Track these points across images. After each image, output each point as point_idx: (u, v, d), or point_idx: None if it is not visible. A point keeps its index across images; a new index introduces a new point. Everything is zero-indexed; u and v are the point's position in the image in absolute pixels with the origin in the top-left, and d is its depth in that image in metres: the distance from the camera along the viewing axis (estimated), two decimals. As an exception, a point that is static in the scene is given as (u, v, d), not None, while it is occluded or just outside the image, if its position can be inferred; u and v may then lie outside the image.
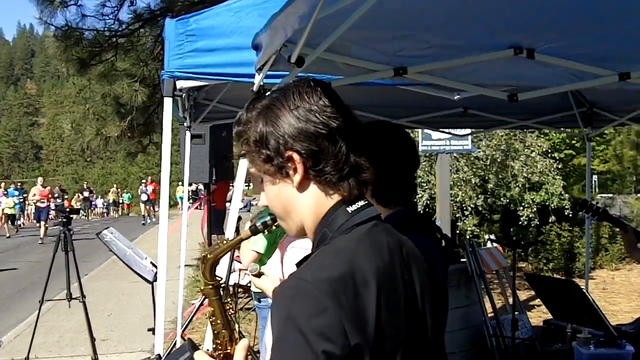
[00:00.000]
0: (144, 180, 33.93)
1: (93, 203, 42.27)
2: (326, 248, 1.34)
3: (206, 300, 1.71)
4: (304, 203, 1.39)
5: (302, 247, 2.54)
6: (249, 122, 1.43)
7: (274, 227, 1.65)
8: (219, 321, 1.63)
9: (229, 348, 1.61)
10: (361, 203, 1.39)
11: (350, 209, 1.37)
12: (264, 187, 1.46)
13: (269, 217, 1.61)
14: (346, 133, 1.38)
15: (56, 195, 24.86)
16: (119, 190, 44.37)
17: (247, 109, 1.47)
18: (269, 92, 1.46)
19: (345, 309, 1.22)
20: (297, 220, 1.42)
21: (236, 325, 1.71)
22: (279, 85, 2.74)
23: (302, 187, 1.38)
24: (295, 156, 1.35)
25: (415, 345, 1.36)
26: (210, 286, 1.65)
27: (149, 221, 29.16)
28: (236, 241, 1.70)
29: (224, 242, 1.68)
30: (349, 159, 1.37)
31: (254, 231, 1.65)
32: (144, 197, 31.15)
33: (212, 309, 1.64)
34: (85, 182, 42.01)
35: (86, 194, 39.14)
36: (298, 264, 1.37)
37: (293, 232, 1.46)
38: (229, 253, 3.24)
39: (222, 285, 1.65)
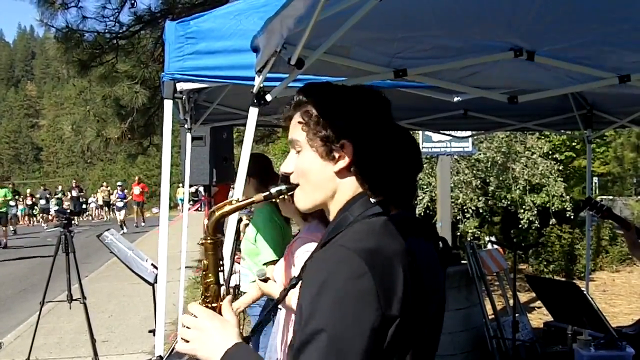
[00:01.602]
0: (119, 183, 30.13)
1: (83, 204, 34.39)
2: (354, 227, 1.43)
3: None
4: (336, 188, 1.50)
5: None
6: (316, 96, 1.52)
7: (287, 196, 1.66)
8: (210, 275, 1.66)
9: (215, 303, 1.64)
10: (380, 200, 1.51)
11: (372, 199, 1.49)
12: (300, 154, 1.53)
13: (284, 186, 1.62)
14: (390, 138, 1.52)
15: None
16: (109, 188, 38.56)
17: (317, 85, 1.57)
18: (340, 83, 1.63)
19: (380, 277, 1.31)
20: (320, 198, 1.52)
21: (224, 282, 1.74)
22: (278, 88, 2.75)
23: (341, 174, 1.49)
24: (348, 146, 1.46)
25: (428, 327, 1.54)
26: (211, 240, 1.68)
27: (125, 230, 23.88)
28: (247, 202, 1.70)
29: (235, 201, 1.69)
30: (387, 162, 1.51)
31: (267, 197, 1.66)
32: (119, 204, 26.58)
33: (207, 262, 1.67)
34: (74, 180, 33.82)
35: (75, 192, 31.10)
36: (323, 245, 1.46)
37: (307, 206, 1.55)
38: (228, 254, 3.24)
39: (220, 242, 1.66)
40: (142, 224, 27.84)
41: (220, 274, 1.67)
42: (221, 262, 1.69)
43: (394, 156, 1.52)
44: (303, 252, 2.62)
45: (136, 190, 28.81)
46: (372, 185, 1.49)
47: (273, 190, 1.64)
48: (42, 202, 34.12)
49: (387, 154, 1.50)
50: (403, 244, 1.46)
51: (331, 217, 1.53)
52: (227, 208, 1.66)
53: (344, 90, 1.54)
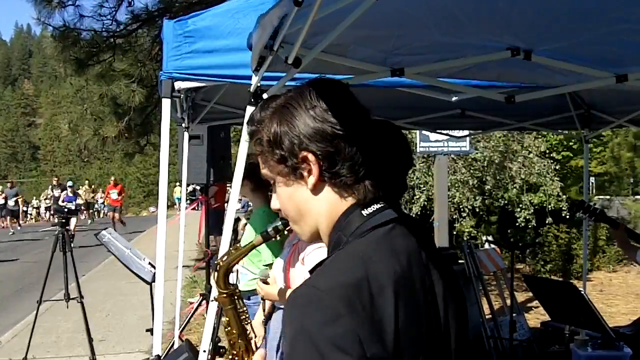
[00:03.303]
0: (69, 183, 24.25)
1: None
2: (340, 253, 1.27)
3: (204, 301, 1.71)
4: (318, 206, 1.34)
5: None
6: (263, 122, 1.37)
7: (285, 232, 1.63)
8: (234, 331, 1.59)
9: (246, 359, 1.57)
10: (377, 206, 1.33)
11: (365, 212, 1.31)
12: (276, 189, 1.40)
13: (280, 222, 1.58)
14: (362, 134, 1.34)
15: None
16: (93, 187, 34.29)
17: (261, 107, 1.41)
18: (285, 91, 1.40)
19: (361, 316, 1.14)
20: (311, 223, 1.37)
21: (252, 334, 1.63)
22: (275, 86, 2.75)
23: (316, 189, 1.33)
24: (311, 157, 1.30)
25: (437, 354, 1.29)
26: (225, 294, 1.61)
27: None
28: (248, 248, 1.67)
29: (236, 249, 1.65)
30: (365, 161, 1.32)
31: (266, 237, 1.63)
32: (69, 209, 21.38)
33: (227, 318, 1.60)
34: (56, 177, 27.89)
35: (57, 192, 25.04)
36: (311, 271, 1.29)
37: (306, 236, 1.41)
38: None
39: (237, 294, 1.58)
40: (123, 225, 24.13)
41: (247, 325, 1.59)
42: (242, 312, 1.61)
43: (366, 149, 1.33)
44: (314, 249, 2.59)
45: (113, 194, 24.67)
46: (352, 188, 1.32)
47: (269, 229, 1.60)
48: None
49: (361, 150, 1.32)
50: (404, 261, 1.27)
51: (325, 241, 1.38)
52: (231, 257, 1.60)
53: (284, 101, 1.36)
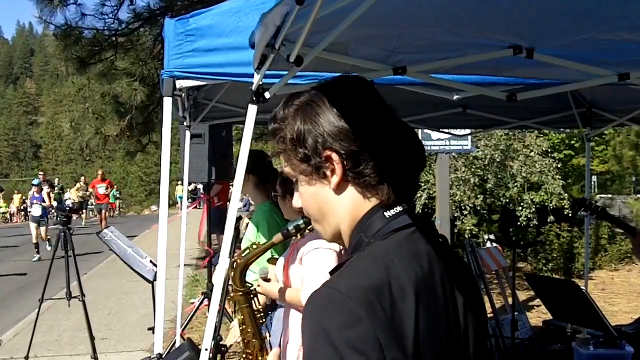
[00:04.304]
0: (35, 182, 18.70)
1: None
2: (362, 254, 1.25)
3: (205, 299, 1.70)
4: (341, 206, 1.32)
5: (327, 247, 2.52)
6: (286, 119, 1.35)
7: (307, 231, 1.61)
8: (249, 329, 1.59)
9: (260, 358, 1.57)
10: (399, 208, 1.31)
11: (387, 213, 1.29)
12: (298, 187, 1.39)
13: (301, 221, 1.57)
14: (386, 133, 1.33)
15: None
16: (87, 184, 26.95)
17: (284, 105, 1.38)
18: (310, 88, 1.38)
19: (381, 320, 1.13)
20: (333, 223, 1.35)
21: (267, 334, 1.62)
22: (277, 85, 2.75)
23: (339, 189, 1.31)
24: (334, 156, 1.28)
25: (456, 359, 1.27)
26: (240, 292, 1.60)
27: (48, 248, 16.40)
28: (267, 246, 1.66)
29: (255, 246, 1.64)
30: (388, 161, 1.31)
31: (286, 235, 1.62)
32: (36, 211, 17.07)
33: (242, 316, 1.59)
34: (42, 173, 22.99)
35: (46, 189, 18.69)
36: (332, 272, 1.27)
37: (328, 236, 1.39)
38: (227, 251, 3.22)
39: (253, 292, 1.57)
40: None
41: (261, 324, 1.58)
42: (258, 312, 1.59)
43: (389, 150, 1.32)
44: (311, 249, 2.60)
45: (100, 188, 21.10)
46: (375, 188, 1.30)
47: (290, 226, 1.58)
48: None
49: (381, 148, 1.31)
50: (426, 264, 1.26)
51: (346, 242, 1.36)
52: (249, 254, 1.58)
53: (308, 98, 1.35)
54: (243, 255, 1.61)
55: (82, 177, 29.87)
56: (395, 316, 1.15)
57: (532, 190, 11.39)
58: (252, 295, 1.61)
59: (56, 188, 28.65)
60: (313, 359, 1.13)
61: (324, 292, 1.18)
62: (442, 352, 1.22)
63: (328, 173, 1.30)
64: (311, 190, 1.34)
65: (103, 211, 21.42)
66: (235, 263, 1.62)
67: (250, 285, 1.66)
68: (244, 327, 1.59)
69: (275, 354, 1.51)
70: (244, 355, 1.57)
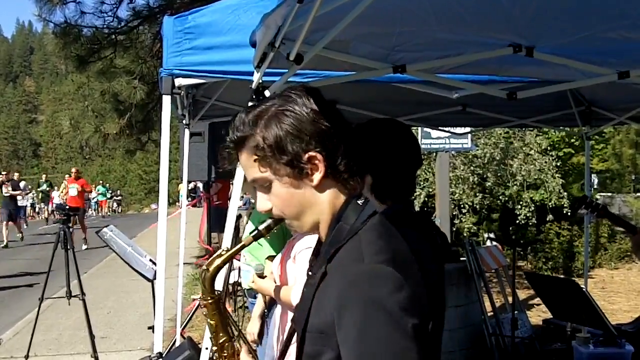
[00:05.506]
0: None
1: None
2: (366, 235, 1.38)
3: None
4: (323, 201, 1.44)
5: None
6: (255, 127, 1.42)
7: (274, 230, 1.62)
8: (222, 335, 1.60)
9: (234, 358, 1.59)
10: (364, 199, 1.46)
11: (359, 202, 1.44)
12: (272, 188, 1.45)
13: (270, 220, 1.58)
14: (348, 133, 1.46)
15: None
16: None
17: (247, 114, 1.45)
18: (266, 98, 1.50)
19: (411, 285, 1.30)
20: (313, 217, 1.46)
21: (237, 335, 1.65)
22: (278, 83, 2.74)
23: (320, 185, 1.43)
24: (318, 156, 1.40)
25: (440, 321, 1.54)
26: (211, 300, 1.60)
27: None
28: (237, 249, 1.66)
29: (224, 251, 1.63)
30: (355, 157, 1.45)
31: (256, 236, 1.62)
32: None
33: (213, 323, 1.61)
34: (4, 172, 20.71)
35: (5, 189, 17.91)
36: (329, 259, 1.40)
37: (306, 229, 1.49)
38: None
39: (222, 299, 1.59)
40: (84, 246, 16.00)
41: (232, 327, 1.61)
42: (228, 316, 1.62)
43: (372, 148, 1.53)
44: (303, 248, 2.60)
45: (72, 189, 16.82)
46: (348, 181, 1.44)
47: (261, 227, 1.60)
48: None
49: (351, 147, 1.44)
50: (413, 239, 1.46)
51: (323, 231, 1.47)
52: (219, 261, 1.60)
53: (278, 107, 1.43)
54: (212, 262, 1.61)
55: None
56: (416, 282, 1.33)
57: (531, 189, 11.38)
58: (220, 301, 1.63)
59: (42, 187, 27.38)
60: (369, 327, 1.24)
61: (361, 269, 1.31)
62: (437, 318, 1.48)
63: (309, 172, 1.41)
64: (291, 191, 1.43)
65: (74, 217, 14.58)
66: (205, 271, 1.62)
67: (218, 292, 1.66)
68: (216, 332, 1.60)
69: (245, 350, 1.60)
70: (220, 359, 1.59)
